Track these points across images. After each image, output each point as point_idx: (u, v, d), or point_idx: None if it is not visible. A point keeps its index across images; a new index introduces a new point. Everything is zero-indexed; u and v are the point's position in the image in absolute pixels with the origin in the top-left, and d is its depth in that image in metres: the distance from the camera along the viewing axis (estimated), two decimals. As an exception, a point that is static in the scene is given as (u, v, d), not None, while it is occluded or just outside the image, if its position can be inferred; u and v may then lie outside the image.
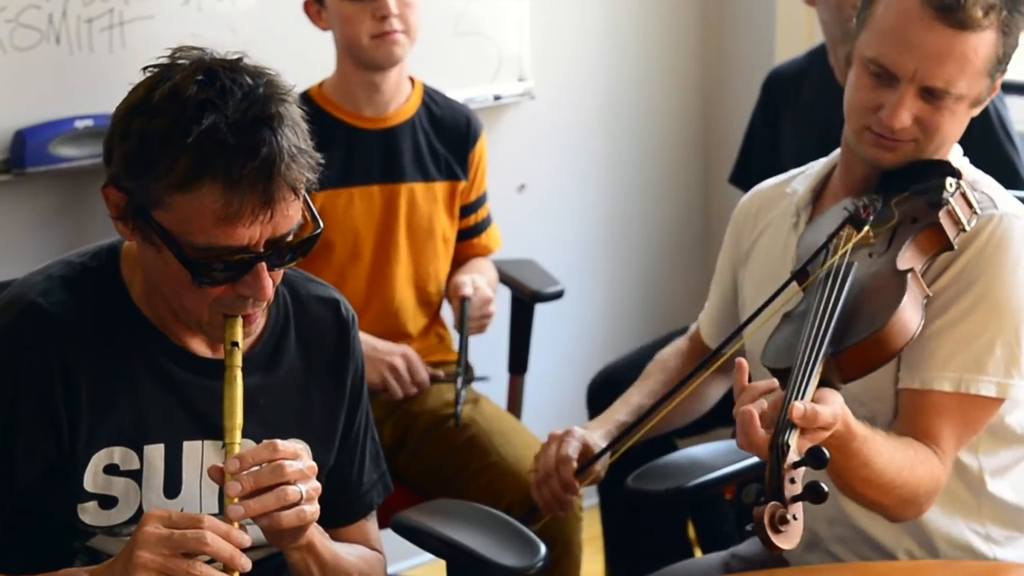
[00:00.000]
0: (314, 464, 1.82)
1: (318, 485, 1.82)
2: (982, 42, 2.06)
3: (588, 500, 2.92)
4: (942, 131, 2.10)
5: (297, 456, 1.80)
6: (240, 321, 1.85)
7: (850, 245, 2.05)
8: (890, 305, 1.94)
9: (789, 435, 1.75)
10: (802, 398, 1.81)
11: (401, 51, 2.89)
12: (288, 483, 1.77)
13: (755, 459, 2.44)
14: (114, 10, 2.99)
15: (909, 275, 1.98)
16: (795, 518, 1.70)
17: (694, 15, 4.19)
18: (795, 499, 1.70)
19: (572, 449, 2.28)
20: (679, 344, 2.53)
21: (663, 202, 4.23)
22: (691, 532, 3.29)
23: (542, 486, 2.30)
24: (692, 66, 4.22)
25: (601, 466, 2.31)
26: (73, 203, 3.06)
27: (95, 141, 2.92)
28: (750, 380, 1.92)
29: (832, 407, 1.83)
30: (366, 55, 2.88)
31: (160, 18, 3.03)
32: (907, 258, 2.01)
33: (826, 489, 1.70)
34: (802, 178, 2.30)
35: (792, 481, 1.71)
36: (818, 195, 2.25)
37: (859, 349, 1.92)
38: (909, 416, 2.05)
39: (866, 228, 2.07)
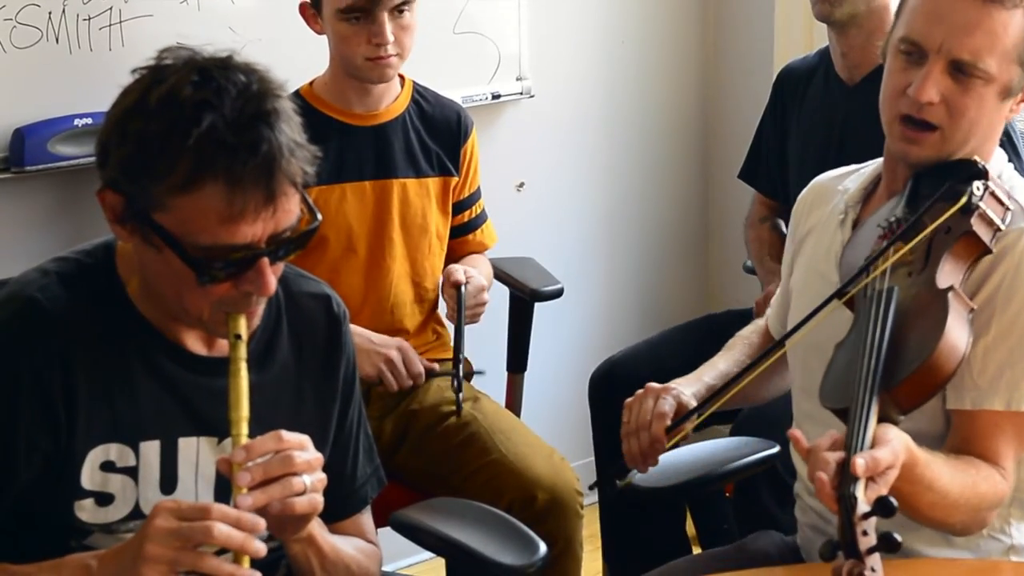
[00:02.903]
0: (320, 455, 1.83)
1: (323, 476, 1.82)
2: (1012, 20, 2.06)
3: (588, 498, 2.92)
4: (969, 116, 2.08)
5: (303, 446, 1.80)
6: (243, 314, 1.85)
7: (888, 264, 2.01)
8: (935, 330, 1.90)
9: (855, 487, 1.71)
10: (862, 445, 1.77)
11: (394, 72, 2.93)
12: (295, 473, 1.77)
13: (754, 455, 2.46)
14: (113, 8, 2.99)
15: (950, 294, 1.94)
16: (873, 570, 1.65)
17: (693, 14, 4.19)
18: (870, 551, 1.66)
19: (668, 406, 2.21)
20: (758, 323, 2.50)
21: (662, 200, 4.23)
22: (691, 529, 3.30)
23: (631, 438, 2.23)
24: (691, 64, 4.22)
25: (690, 425, 2.23)
26: (72, 202, 3.06)
27: (94, 140, 2.87)
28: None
29: (891, 445, 1.80)
30: (359, 73, 2.91)
31: (159, 16, 3.03)
32: (946, 272, 1.97)
33: (900, 539, 1.66)
34: (856, 176, 2.29)
35: (865, 533, 1.67)
36: (869, 194, 2.24)
37: (912, 381, 1.89)
38: (964, 436, 2.03)
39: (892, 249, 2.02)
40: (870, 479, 1.74)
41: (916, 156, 2.12)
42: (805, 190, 2.38)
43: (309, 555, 1.93)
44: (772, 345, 2.26)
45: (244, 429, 1.80)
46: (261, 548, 1.72)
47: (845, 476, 1.73)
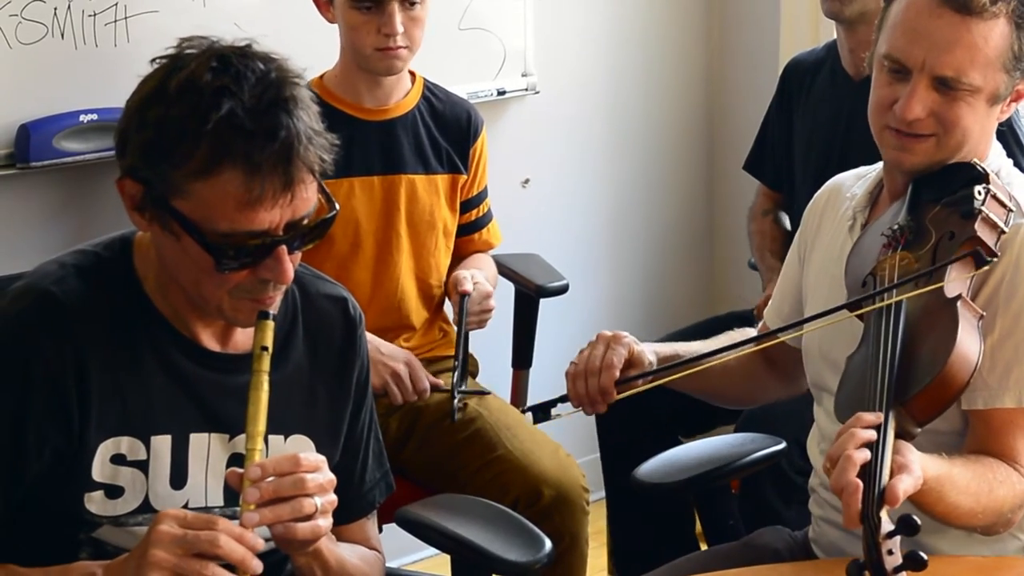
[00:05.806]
0: (333, 477, 1.82)
1: (334, 498, 1.82)
2: (992, 31, 2.05)
3: (594, 495, 2.91)
4: (961, 125, 2.08)
5: (318, 468, 1.80)
6: (271, 325, 1.85)
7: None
8: (947, 342, 1.89)
9: (878, 507, 1.72)
10: (883, 464, 1.77)
11: (403, 64, 2.93)
12: (307, 495, 1.77)
13: (761, 452, 2.46)
14: (119, 4, 2.99)
15: (959, 303, 1.94)
16: None
17: (698, 9, 4.19)
18: (897, 570, 1.67)
19: (617, 357, 2.21)
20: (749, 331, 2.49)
21: (667, 196, 4.23)
22: (696, 527, 3.29)
23: (578, 381, 2.22)
24: (696, 60, 4.22)
25: (642, 385, 2.23)
26: (77, 197, 3.06)
27: (100, 135, 2.92)
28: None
29: (913, 472, 1.80)
30: (368, 63, 2.91)
31: (165, 12, 3.04)
32: (953, 280, 1.96)
33: (926, 557, 1.67)
34: (863, 181, 2.28)
35: (890, 552, 1.68)
36: (875, 198, 2.24)
37: (925, 394, 1.88)
38: (980, 436, 2.03)
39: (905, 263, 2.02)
40: None
41: (910, 163, 2.12)
42: (821, 189, 2.37)
43: (315, 568, 1.93)
44: (760, 335, 2.25)
45: (260, 444, 1.80)
46: (259, 566, 1.73)
47: (868, 496, 1.73)
